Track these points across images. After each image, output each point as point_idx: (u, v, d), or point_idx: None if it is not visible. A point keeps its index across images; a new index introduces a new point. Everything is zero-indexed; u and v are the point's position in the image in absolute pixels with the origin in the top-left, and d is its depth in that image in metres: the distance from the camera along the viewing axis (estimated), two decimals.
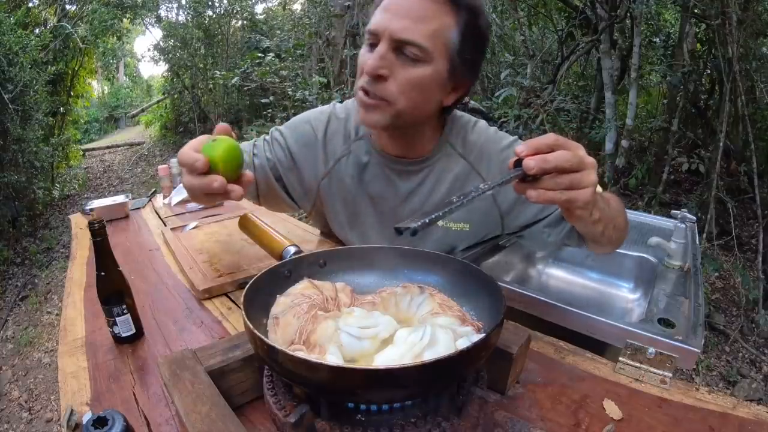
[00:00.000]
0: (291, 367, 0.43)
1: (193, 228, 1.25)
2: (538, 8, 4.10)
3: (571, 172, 0.52)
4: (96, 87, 10.68)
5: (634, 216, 1.30)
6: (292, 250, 0.73)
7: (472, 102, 1.11)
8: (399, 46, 0.72)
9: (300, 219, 1.54)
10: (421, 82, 0.74)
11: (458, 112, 0.91)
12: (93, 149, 8.28)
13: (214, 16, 6.79)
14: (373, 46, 0.74)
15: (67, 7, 5.93)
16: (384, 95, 0.74)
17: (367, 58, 0.74)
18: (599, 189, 0.80)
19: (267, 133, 0.97)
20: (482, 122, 0.92)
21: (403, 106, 0.75)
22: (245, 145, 0.94)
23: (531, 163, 0.50)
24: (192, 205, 1.50)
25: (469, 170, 0.87)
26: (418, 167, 0.88)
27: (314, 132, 0.93)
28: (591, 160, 0.53)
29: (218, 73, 4.91)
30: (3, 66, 3.82)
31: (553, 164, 0.50)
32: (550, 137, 0.52)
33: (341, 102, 0.98)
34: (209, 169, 0.59)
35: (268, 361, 0.46)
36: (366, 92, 0.75)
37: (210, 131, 0.68)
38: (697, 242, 1.07)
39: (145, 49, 14.07)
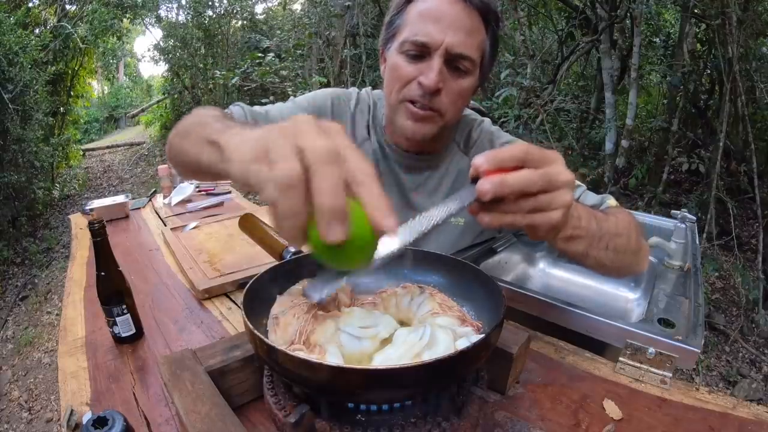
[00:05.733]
0: (291, 367, 0.43)
1: (193, 228, 1.25)
2: (538, 8, 4.10)
3: (539, 193, 0.43)
4: (96, 87, 10.69)
5: (634, 216, 1.29)
6: (293, 250, 0.73)
7: (472, 102, 1.11)
8: (452, 60, 0.72)
9: None
10: (465, 93, 0.77)
11: (466, 110, 0.94)
12: (93, 149, 8.28)
13: (214, 16, 6.79)
14: (417, 57, 0.73)
15: (67, 7, 5.93)
16: (437, 107, 0.75)
17: (411, 69, 0.74)
18: (612, 202, 0.78)
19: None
20: (487, 121, 0.95)
21: (450, 116, 0.78)
22: (257, 110, 0.85)
23: (485, 187, 0.41)
24: (192, 205, 1.50)
25: (470, 165, 0.89)
26: (425, 163, 0.89)
27: (345, 105, 0.92)
28: (567, 177, 0.44)
29: (218, 73, 4.91)
30: (3, 66, 3.82)
31: (512, 189, 0.41)
32: (519, 149, 0.43)
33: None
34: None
35: (268, 361, 0.46)
36: (414, 103, 0.75)
37: None
38: (697, 242, 1.07)
39: (145, 49, 14.09)
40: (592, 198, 0.80)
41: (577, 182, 0.79)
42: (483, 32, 0.75)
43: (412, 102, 0.75)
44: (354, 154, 0.34)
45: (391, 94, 0.79)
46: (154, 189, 1.79)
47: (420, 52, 0.73)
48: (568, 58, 3.80)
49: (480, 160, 0.42)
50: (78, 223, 1.41)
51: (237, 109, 0.82)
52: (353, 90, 0.96)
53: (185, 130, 0.59)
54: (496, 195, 0.41)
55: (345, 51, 4.29)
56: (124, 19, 6.75)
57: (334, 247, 0.33)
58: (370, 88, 0.98)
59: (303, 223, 0.32)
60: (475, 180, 0.43)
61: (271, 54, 4.10)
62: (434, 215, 0.42)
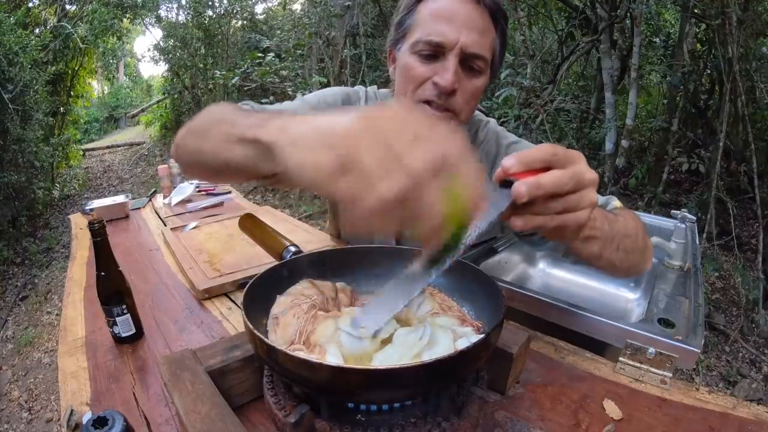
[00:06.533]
0: (291, 367, 0.43)
1: (193, 228, 1.25)
2: (538, 8, 4.10)
3: (568, 194, 0.43)
4: (96, 87, 10.70)
5: None
6: (293, 250, 0.73)
7: None
8: (467, 59, 0.73)
9: (300, 219, 1.54)
10: (478, 93, 0.77)
11: None
12: (93, 149, 8.29)
13: (214, 16, 6.79)
14: (430, 57, 0.73)
15: (67, 7, 5.93)
16: (453, 108, 0.75)
17: (425, 70, 0.74)
18: (616, 203, 0.78)
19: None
20: (492, 121, 0.95)
21: (465, 116, 0.78)
22: (268, 109, 0.84)
23: (522, 190, 0.40)
24: (192, 205, 1.50)
25: None
26: None
27: (356, 103, 0.92)
28: (592, 175, 0.45)
29: (218, 73, 4.91)
30: (3, 66, 3.82)
31: (546, 190, 0.41)
32: (546, 150, 0.43)
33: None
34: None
35: (268, 361, 0.46)
36: (429, 104, 0.75)
37: None
38: (697, 242, 1.07)
39: (145, 49, 14.12)
40: (597, 199, 0.80)
41: None
42: (493, 31, 0.75)
43: (428, 103, 0.75)
44: (446, 142, 0.32)
45: (405, 95, 0.78)
46: (154, 189, 1.79)
47: (434, 52, 0.73)
48: (568, 58, 3.80)
49: (510, 162, 0.41)
50: (78, 223, 1.41)
51: (248, 107, 0.80)
52: (360, 88, 0.95)
53: (201, 129, 0.54)
54: (531, 197, 0.40)
55: (345, 51, 4.29)
56: (124, 19, 6.75)
57: None
58: (375, 87, 0.98)
59: (397, 229, 0.32)
60: (503, 183, 0.42)
61: (271, 54, 4.10)
62: (476, 225, 0.40)
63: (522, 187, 0.40)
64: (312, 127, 0.35)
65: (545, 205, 0.43)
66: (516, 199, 0.41)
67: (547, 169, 0.42)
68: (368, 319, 0.38)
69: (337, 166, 0.31)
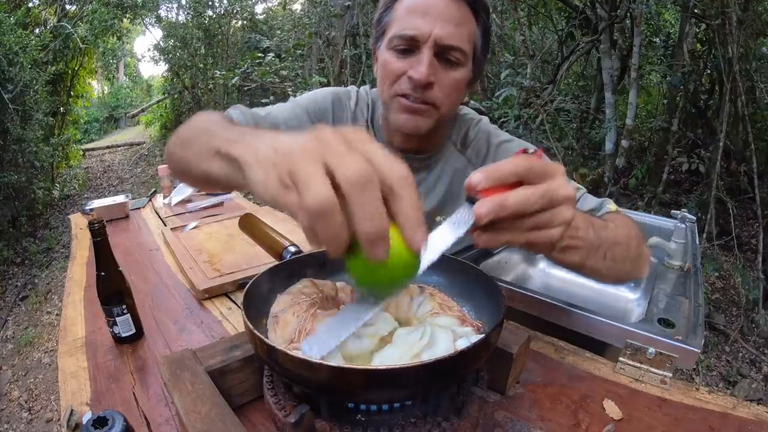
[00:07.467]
0: (291, 367, 0.43)
1: (193, 228, 1.25)
2: (538, 8, 4.10)
3: (539, 212, 0.41)
4: (96, 87, 10.70)
5: (634, 216, 1.29)
6: (293, 250, 0.73)
7: (472, 102, 1.11)
8: (442, 51, 0.72)
9: None
10: (459, 85, 0.76)
11: (464, 109, 0.93)
12: (93, 149, 8.29)
13: (214, 16, 6.79)
14: (406, 51, 0.73)
15: (67, 7, 5.93)
16: (431, 101, 0.75)
17: (402, 64, 0.74)
18: (611, 207, 0.76)
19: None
20: (484, 119, 0.94)
21: (446, 109, 0.77)
22: (258, 113, 0.84)
23: (482, 211, 0.38)
24: (192, 205, 1.50)
25: (467, 165, 0.89)
26: (421, 164, 0.89)
27: (346, 104, 0.92)
28: (567, 192, 0.42)
29: (218, 73, 4.91)
30: (3, 66, 3.82)
31: (511, 211, 0.39)
32: (519, 164, 0.40)
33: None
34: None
35: (268, 361, 0.46)
36: (406, 97, 0.75)
37: None
38: (697, 242, 1.07)
39: (145, 49, 14.12)
40: (591, 202, 0.78)
41: (577, 185, 0.78)
42: (473, 24, 0.74)
43: (404, 96, 0.75)
44: (387, 164, 0.32)
45: (383, 91, 0.78)
46: (154, 189, 1.79)
47: (409, 46, 0.73)
48: (568, 58, 3.80)
49: (477, 178, 0.38)
50: (78, 223, 1.41)
51: (237, 113, 0.80)
52: (352, 88, 0.95)
53: (186, 139, 0.55)
54: (494, 219, 0.38)
55: (345, 51, 4.29)
56: (124, 19, 6.75)
57: (377, 268, 0.33)
58: (369, 86, 0.98)
59: (344, 245, 0.32)
60: (471, 199, 0.40)
61: (271, 54, 4.10)
62: (441, 241, 0.39)
63: (482, 208, 0.38)
64: (270, 145, 0.35)
65: (513, 222, 0.41)
66: (477, 221, 0.38)
67: (519, 183, 0.40)
68: (315, 345, 0.41)
69: (277, 182, 0.32)
